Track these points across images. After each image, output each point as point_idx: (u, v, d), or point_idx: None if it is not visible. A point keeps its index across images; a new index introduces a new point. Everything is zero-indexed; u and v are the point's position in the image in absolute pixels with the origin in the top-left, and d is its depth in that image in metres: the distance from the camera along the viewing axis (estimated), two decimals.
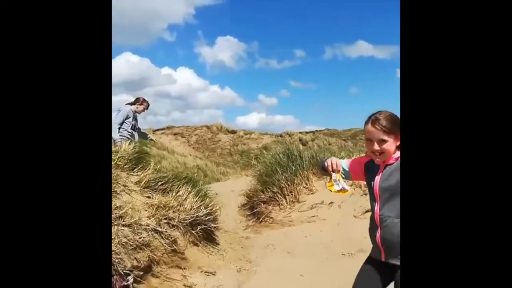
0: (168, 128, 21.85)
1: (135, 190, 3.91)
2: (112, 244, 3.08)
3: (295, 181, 6.26)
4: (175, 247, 3.69)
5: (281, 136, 22.41)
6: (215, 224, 4.48)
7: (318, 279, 3.77)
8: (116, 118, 5.87)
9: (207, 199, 4.46)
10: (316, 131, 26.88)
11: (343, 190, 1.95)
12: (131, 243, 3.26)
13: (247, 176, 7.89)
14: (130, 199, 3.71)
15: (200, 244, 4.12)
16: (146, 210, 3.72)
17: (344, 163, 2.06)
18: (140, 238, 3.34)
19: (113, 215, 3.32)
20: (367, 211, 5.28)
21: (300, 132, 24.57)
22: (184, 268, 3.74)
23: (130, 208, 3.51)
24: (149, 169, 4.27)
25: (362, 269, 2.00)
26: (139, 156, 4.39)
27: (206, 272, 3.85)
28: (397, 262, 1.79)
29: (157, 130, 20.92)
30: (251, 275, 3.96)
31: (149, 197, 3.96)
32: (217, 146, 21.45)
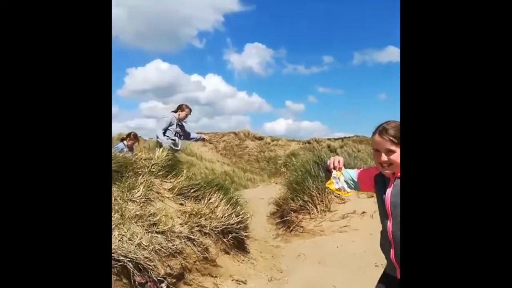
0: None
1: (168, 197, 3.96)
2: (146, 251, 3.12)
3: (326, 190, 6.17)
4: (207, 255, 3.70)
5: (308, 142, 22.24)
6: (246, 232, 4.47)
7: None
8: (160, 124, 6.04)
9: (238, 207, 4.46)
10: (345, 137, 26.51)
11: (342, 189, 1.88)
12: (165, 250, 3.29)
13: (276, 183, 7.86)
14: (163, 206, 3.76)
15: (231, 252, 4.12)
16: (179, 218, 3.75)
17: (353, 173, 1.99)
18: (173, 245, 3.37)
19: (147, 222, 3.37)
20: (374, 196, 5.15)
21: (328, 139, 24.30)
22: (216, 276, 3.74)
23: (163, 215, 3.55)
24: (181, 176, 4.32)
25: (378, 286, 1.91)
26: (172, 164, 4.44)
27: (237, 280, 3.84)
28: None
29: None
30: (283, 285, 3.92)
31: (181, 204, 4.00)
32: (244, 152, 21.53)
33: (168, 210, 3.73)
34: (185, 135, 6.37)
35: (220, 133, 22.57)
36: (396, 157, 1.73)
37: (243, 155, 21.42)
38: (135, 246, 3.05)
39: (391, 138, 1.73)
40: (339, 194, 1.90)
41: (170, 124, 6.06)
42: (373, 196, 5.96)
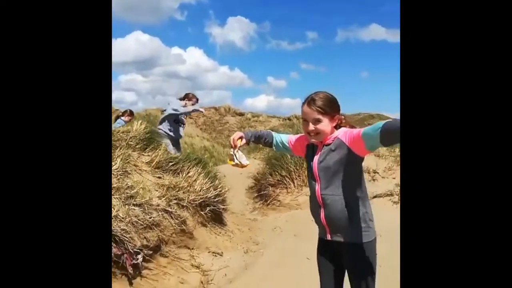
0: None
1: (146, 170, 3.95)
2: (123, 223, 3.13)
3: (304, 165, 6.27)
4: (184, 227, 3.74)
5: (289, 119, 22.28)
6: (224, 205, 4.53)
7: None
8: (166, 112, 6.00)
9: (216, 181, 4.50)
10: None
11: (240, 164, 2.01)
12: (142, 223, 3.31)
13: (255, 159, 7.91)
14: (141, 179, 3.76)
15: (208, 225, 4.18)
16: (157, 191, 3.76)
17: (285, 138, 2.15)
18: (150, 218, 3.39)
19: (124, 195, 3.36)
20: (374, 197, 5.30)
21: None
22: (192, 248, 3.80)
23: (141, 188, 3.55)
24: (160, 149, 4.30)
25: (319, 256, 2.01)
26: (151, 137, 4.41)
27: (213, 252, 3.91)
28: (341, 239, 1.84)
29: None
30: (258, 257, 4.02)
31: (159, 177, 4.00)
32: (224, 128, 21.42)
33: (145, 183, 3.73)
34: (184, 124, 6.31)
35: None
36: (323, 126, 1.82)
37: (223, 130, 21.35)
38: (112, 218, 3.06)
39: (318, 108, 1.80)
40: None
41: (176, 116, 5.95)
42: None
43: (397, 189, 5.40)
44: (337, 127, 1.90)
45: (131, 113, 6.93)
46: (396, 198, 5.21)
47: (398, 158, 6.61)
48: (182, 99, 6.08)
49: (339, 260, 1.91)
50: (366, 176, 5.98)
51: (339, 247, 1.86)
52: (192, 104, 6.06)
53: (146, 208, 3.41)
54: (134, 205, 3.36)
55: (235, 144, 2.02)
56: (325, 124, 1.82)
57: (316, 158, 1.88)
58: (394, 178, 5.89)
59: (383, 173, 6.04)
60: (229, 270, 3.75)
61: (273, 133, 2.22)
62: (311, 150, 1.94)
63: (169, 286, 3.37)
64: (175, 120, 6.01)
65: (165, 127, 5.95)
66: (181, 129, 6.14)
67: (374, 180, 5.89)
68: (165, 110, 6.16)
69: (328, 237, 1.89)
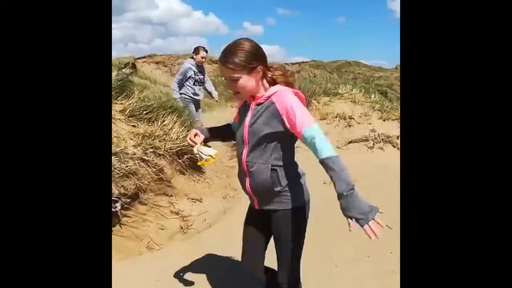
0: (150, 56, 21.05)
1: (119, 119, 3.86)
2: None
3: None
4: (161, 175, 3.74)
5: None
6: None
7: None
8: (175, 78, 5.78)
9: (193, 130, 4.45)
10: (302, 62, 26.43)
11: (210, 157, 1.81)
12: (118, 171, 3.28)
13: (232, 107, 7.85)
14: (114, 127, 3.68)
15: (187, 173, 4.19)
16: (132, 139, 3.71)
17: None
18: (126, 166, 3.36)
19: None
20: (350, 142, 5.40)
21: (286, 63, 24.12)
22: (171, 196, 3.84)
23: (115, 137, 3.48)
24: (133, 97, 4.19)
25: (245, 224, 1.90)
26: (123, 85, 4.27)
27: (192, 199, 3.97)
28: (270, 207, 1.69)
29: (139, 58, 20.09)
30: (236, 202, 4.10)
31: (134, 126, 3.93)
32: None
33: (120, 132, 3.66)
34: (203, 82, 5.95)
35: (175, 55, 21.63)
36: (241, 83, 1.57)
37: None
38: None
39: (229, 65, 1.55)
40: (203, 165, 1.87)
41: (187, 74, 5.68)
42: (325, 118, 6.15)
43: (372, 134, 5.50)
44: (268, 80, 1.64)
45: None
46: (371, 143, 5.32)
47: (374, 104, 6.69)
48: (193, 54, 5.76)
49: (266, 229, 1.80)
50: (342, 122, 6.05)
51: (267, 215, 1.72)
52: (201, 58, 5.69)
53: (121, 157, 3.37)
54: None
55: (194, 142, 1.82)
56: (244, 81, 1.56)
57: (247, 119, 1.63)
58: (369, 124, 5.98)
59: (358, 119, 6.12)
60: (208, 215, 3.83)
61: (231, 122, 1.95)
62: (244, 111, 1.71)
63: (148, 232, 3.43)
64: (195, 82, 5.75)
65: (189, 91, 5.72)
66: (200, 90, 5.92)
67: (350, 126, 5.97)
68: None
69: (256, 205, 1.74)
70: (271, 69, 1.66)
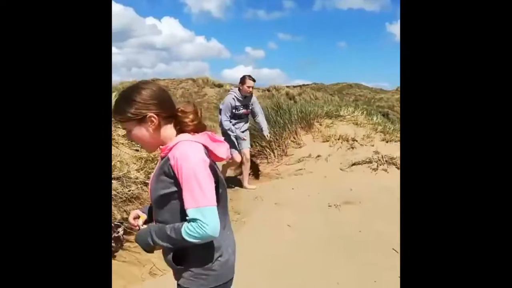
0: (153, 81, 21.40)
1: (122, 143, 3.88)
2: None
3: (283, 135, 6.29)
4: None
5: (268, 90, 22.17)
6: None
7: (305, 229, 3.88)
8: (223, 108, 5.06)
9: None
10: (304, 85, 26.72)
11: None
12: (121, 196, 3.27)
13: None
14: (117, 152, 3.68)
15: None
16: (135, 163, 3.71)
17: None
18: (129, 191, 3.35)
19: None
20: (353, 164, 5.38)
21: (287, 86, 24.38)
22: None
23: (118, 161, 3.49)
24: None
25: None
26: None
27: None
28: (181, 283, 1.47)
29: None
30: (240, 226, 4.05)
31: (137, 150, 3.94)
32: (203, 100, 21.17)
33: (123, 156, 3.67)
34: (243, 117, 5.19)
35: (178, 79, 21.94)
36: (135, 134, 1.37)
37: (202, 102, 21.10)
38: None
39: (117, 118, 1.39)
40: None
41: (227, 107, 4.98)
42: (327, 141, 6.15)
43: (376, 156, 5.49)
44: (176, 126, 1.41)
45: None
46: (375, 165, 5.30)
47: (376, 126, 6.70)
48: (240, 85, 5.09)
49: None
50: (344, 144, 6.05)
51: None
52: (248, 87, 4.98)
53: (124, 181, 3.36)
54: (112, 178, 3.30)
55: (137, 225, 1.56)
56: (136, 132, 1.37)
57: (152, 175, 1.43)
58: (372, 146, 5.98)
59: (361, 141, 6.12)
60: None
61: None
62: None
63: (151, 257, 3.37)
64: (234, 116, 5.06)
65: (228, 125, 5.02)
66: (240, 126, 5.18)
67: (353, 148, 5.96)
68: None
69: (174, 277, 1.53)
70: (180, 113, 1.42)
